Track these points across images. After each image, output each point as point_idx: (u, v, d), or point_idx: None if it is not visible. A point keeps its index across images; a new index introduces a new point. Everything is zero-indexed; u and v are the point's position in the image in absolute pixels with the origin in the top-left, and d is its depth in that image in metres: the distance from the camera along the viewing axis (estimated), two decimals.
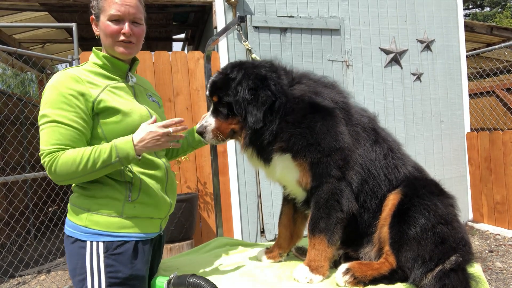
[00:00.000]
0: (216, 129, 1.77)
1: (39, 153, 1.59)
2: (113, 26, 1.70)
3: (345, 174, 1.70)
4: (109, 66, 1.77)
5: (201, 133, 1.78)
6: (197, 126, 1.82)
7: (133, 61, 1.90)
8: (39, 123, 1.60)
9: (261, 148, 1.73)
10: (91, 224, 1.63)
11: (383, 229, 1.68)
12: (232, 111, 1.71)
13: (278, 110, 1.68)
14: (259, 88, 1.67)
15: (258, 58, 2.19)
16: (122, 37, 1.72)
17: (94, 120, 1.65)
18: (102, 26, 1.72)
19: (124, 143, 1.58)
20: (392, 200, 1.70)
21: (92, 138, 1.67)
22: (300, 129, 1.68)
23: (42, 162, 1.58)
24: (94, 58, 1.79)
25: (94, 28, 1.80)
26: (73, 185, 1.73)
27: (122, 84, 1.78)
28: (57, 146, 1.56)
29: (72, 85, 1.61)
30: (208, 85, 1.81)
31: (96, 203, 1.65)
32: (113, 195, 1.66)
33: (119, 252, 1.63)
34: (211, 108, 1.81)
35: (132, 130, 1.66)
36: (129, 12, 1.71)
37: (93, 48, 1.82)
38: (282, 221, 2.04)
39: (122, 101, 1.70)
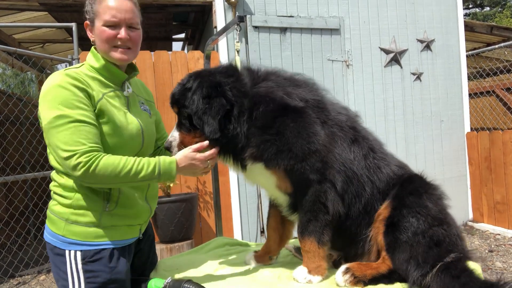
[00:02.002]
0: (180, 144, 1.70)
1: (65, 155, 1.48)
2: (109, 31, 1.64)
3: (325, 175, 1.64)
4: (107, 73, 1.72)
5: (168, 148, 1.73)
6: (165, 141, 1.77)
7: (133, 70, 1.84)
8: (55, 123, 1.50)
9: (235, 155, 1.68)
10: (69, 234, 1.63)
11: (378, 237, 1.68)
12: (193, 123, 1.66)
13: (240, 115, 1.61)
14: (212, 97, 1.61)
15: (239, 62, 2.11)
16: (118, 43, 1.67)
17: None
18: (98, 32, 1.67)
19: (169, 164, 1.60)
20: (382, 214, 1.68)
21: None
22: (269, 135, 1.61)
23: (74, 162, 1.47)
24: (92, 60, 1.72)
25: (89, 33, 1.73)
26: (52, 192, 1.71)
27: (117, 94, 1.72)
28: (92, 145, 1.51)
29: (79, 84, 1.58)
30: (169, 98, 1.75)
31: (74, 213, 1.63)
32: (90, 205, 1.63)
33: (97, 259, 1.63)
34: (176, 121, 1.75)
35: (120, 144, 1.65)
36: (125, 18, 1.65)
37: (92, 48, 1.75)
38: (270, 223, 1.97)
39: (116, 113, 1.66)
